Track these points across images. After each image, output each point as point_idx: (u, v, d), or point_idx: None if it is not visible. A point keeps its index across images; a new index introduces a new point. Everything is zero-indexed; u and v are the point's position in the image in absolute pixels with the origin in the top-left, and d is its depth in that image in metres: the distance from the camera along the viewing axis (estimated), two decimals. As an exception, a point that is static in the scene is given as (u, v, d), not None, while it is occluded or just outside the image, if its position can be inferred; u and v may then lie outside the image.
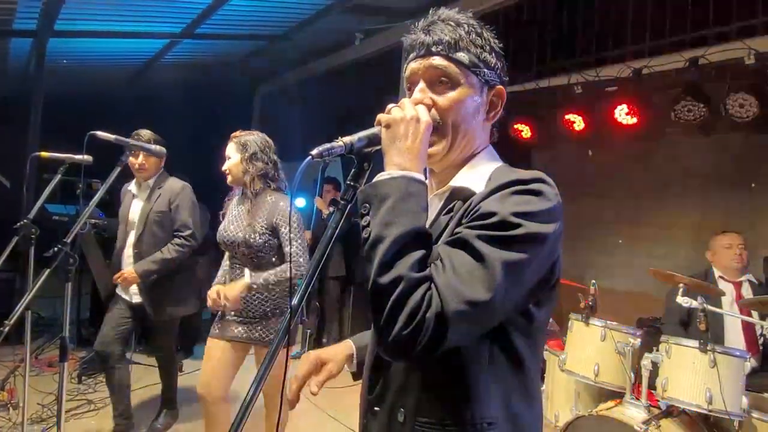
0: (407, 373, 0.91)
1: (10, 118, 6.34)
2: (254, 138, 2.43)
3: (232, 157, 2.40)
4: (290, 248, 2.31)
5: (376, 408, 0.96)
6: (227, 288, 2.26)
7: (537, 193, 0.83)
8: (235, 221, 2.41)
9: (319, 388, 1.03)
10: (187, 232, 2.91)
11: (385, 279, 0.77)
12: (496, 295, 0.76)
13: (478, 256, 0.78)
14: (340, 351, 1.12)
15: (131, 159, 2.86)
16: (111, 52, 6.14)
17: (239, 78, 7.65)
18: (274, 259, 2.37)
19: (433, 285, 0.77)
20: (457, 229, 0.84)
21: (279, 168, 2.49)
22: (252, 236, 2.31)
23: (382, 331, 0.77)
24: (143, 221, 2.92)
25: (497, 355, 0.87)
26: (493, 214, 0.80)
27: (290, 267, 2.30)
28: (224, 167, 2.43)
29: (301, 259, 2.29)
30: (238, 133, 2.46)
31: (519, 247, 0.79)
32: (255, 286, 2.25)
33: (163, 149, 2.51)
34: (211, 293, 2.26)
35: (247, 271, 2.31)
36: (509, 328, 0.86)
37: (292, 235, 2.34)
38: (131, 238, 2.96)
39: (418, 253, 0.79)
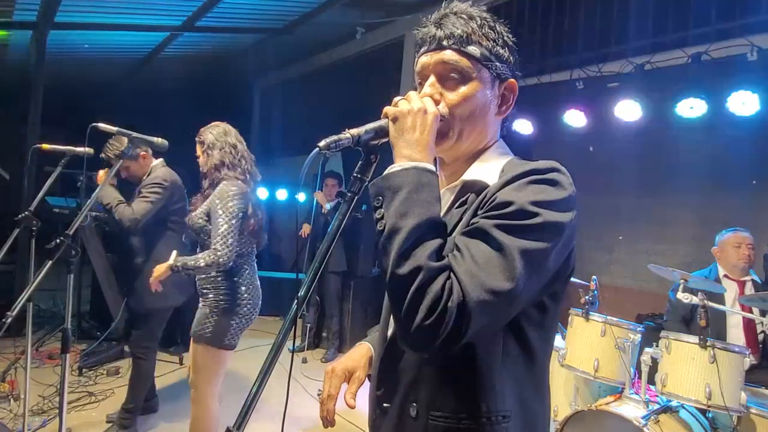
0: (419, 367, 0.90)
1: (10, 111, 6.33)
2: (212, 130, 2.46)
3: (198, 154, 2.48)
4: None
5: (385, 404, 0.95)
6: (157, 267, 2.35)
7: (553, 183, 0.83)
8: (193, 203, 2.49)
9: (355, 399, 1.03)
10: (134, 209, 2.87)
11: (404, 270, 0.76)
12: (518, 284, 0.76)
13: (496, 246, 0.77)
14: (361, 356, 1.11)
15: None
16: (111, 45, 6.12)
17: (240, 71, 7.63)
18: (209, 240, 2.34)
19: (452, 274, 0.76)
20: (473, 220, 0.84)
21: (240, 153, 2.45)
22: (195, 219, 2.37)
23: (403, 322, 0.76)
24: None
25: (511, 347, 0.86)
26: (510, 203, 0.80)
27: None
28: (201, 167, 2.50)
29: (220, 246, 2.23)
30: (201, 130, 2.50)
31: (537, 235, 0.78)
32: (175, 268, 2.29)
33: (165, 142, 2.48)
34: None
35: (174, 252, 2.37)
36: (523, 321, 0.86)
37: (218, 222, 2.26)
38: None
39: (436, 243, 0.78)
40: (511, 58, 0.97)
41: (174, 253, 2.36)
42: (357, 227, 4.95)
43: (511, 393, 0.86)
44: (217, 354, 2.33)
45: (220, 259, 2.22)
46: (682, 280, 2.57)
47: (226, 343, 2.33)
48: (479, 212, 0.84)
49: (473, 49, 0.92)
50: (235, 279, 2.37)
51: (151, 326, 3.04)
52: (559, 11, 4.58)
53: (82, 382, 3.72)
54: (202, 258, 2.24)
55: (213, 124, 2.50)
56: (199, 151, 2.48)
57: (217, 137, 2.43)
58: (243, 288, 2.37)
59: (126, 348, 4.13)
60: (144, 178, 2.98)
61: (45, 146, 2.36)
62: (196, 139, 2.48)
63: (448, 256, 0.80)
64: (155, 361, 3.15)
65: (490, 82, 0.94)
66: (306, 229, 4.93)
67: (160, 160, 3.05)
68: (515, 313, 0.82)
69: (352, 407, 1.00)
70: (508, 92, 0.98)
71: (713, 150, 3.86)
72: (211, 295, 2.35)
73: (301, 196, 5.74)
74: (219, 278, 2.35)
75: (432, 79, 0.94)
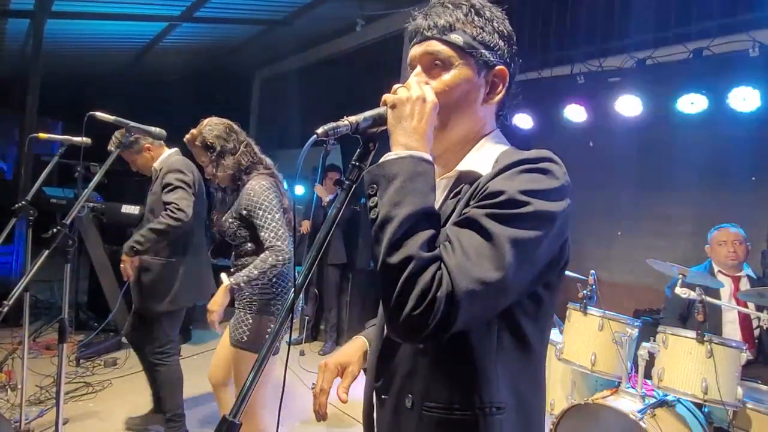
0: (415, 359, 0.90)
1: (7, 100, 6.30)
2: (210, 129, 2.24)
3: (207, 161, 2.27)
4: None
5: (383, 396, 0.95)
6: (211, 301, 2.14)
7: (545, 172, 0.82)
8: (219, 207, 2.33)
9: (347, 393, 1.02)
10: (171, 206, 2.62)
11: (395, 259, 0.75)
12: (507, 273, 0.75)
13: (486, 235, 0.77)
14: (355, 350, 1.10)
15: None
16: (109, 35, 6.08)
17: (239, 63, 7.59)
18: (248, 246, 2.22)
19: (442, 265, 0.76)
20: (464, 210, 0.83)
21: (253, 148, 2.30)
22: (225, 225, 2.22)
23: (392, 311, 0.76)
24: (144, 206, 2.92)
25: (506, 339, 0.86)
26: (501, 192, 0.79)
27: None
28: (207, 176, 2.33)
29: (278, 243, 2.11)
30: (190, 135, 2.28)
31: (528, 224, 0.78)
32: (237, 287, 2.09)
33: (163, 132, 2.46)
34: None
35: (223, 275, 2.17)
36: (517, 312, 0.86)
37: (265, 220, 2.13)
38: None
39: (428, 233, 0.78)
40: (502, 44, 0.95)
41: (223, 275, 2.15)
42: (356, 220, 4.95)
43: (505, 385, 0.86)
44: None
45: (281, 256, 2.08)
46: (680, 275, 2.57)
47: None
48: (471, 202, 0.84)
49: (456, 37, 0.91)
50: (277, 277, 2.19)
51: (164, 328, 2.80)
52: (560, 5, 4.55)
53: (79, 372, 3.73)
54: (261, 263, 2.07)
55: (209, 122, 2.28)
56: (204, 158, 2.27)
57: (227, 139, 2.24)
58: (284, 285, 2.20)
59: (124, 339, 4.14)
60: (156, 168, 2.85)
61: (42, 135, 2.34)
62: (197, 143, 2.26)
63: (440, 246, 0.79)
64: (178, 362, 2.90)
65: (476, 69, 0.93)
66: (305, 226, 4.92)
67: (175, 149, 2.92)
68: (507, 303, 0.82)
69: (344, 401, 1.00)
70: (497, 79, 0.96)
71: (713, 146, 3.86)
72: (246, 293, 2.17)
73: (299, 189, 5.72)
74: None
75: (418, 68, 0.94)
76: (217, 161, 2.24)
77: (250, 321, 2.15)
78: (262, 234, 2.12)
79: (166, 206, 2.63)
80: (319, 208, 4.90)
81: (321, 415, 1.05)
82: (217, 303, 2.11)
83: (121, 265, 2.65)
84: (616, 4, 4.19)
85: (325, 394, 1.04)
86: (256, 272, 2.08)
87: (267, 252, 2.10)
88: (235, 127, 2.33)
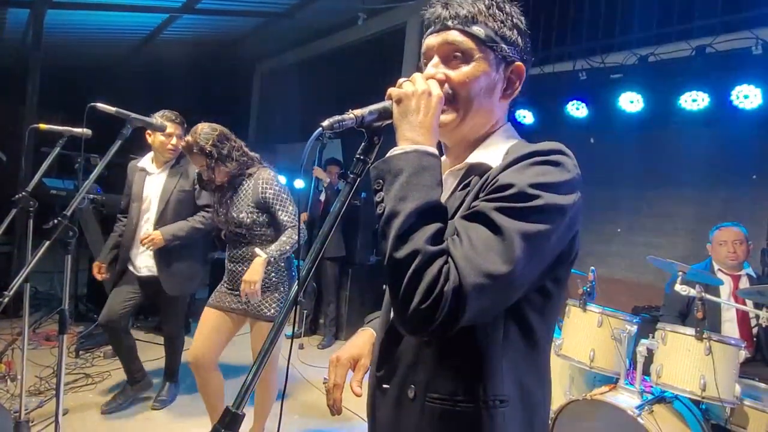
0: (419, 349, 0.90)
1: (7, 91, 6.27)
2: (206, 137, 2.40)
3: (204, 166, 2.44)
4: (299, 227, 2.42)
5: (385, 385, 0.95)
6: (249, 273, 2.33)
7: (556, 164, 0.81)
8: (223, 203, 2.51)
9: (361, 386, 1.02)
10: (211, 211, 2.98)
11: (401, 253, 0.75)
12: (516, 267, 0.74)
13: (495, 229, 0.76)
14: (365, 342, 1.10)
15: (162, 139, 2.92)
16: (110, 26, 6.04)
17: (239, 56, 7.55)
18: (262, 230, 2.47)
19: (450, 258, 0.75)
20: (474, 203, 0.83)
21: (245, 149, 2.51)
22: (240, 216, 2.43)
23: (400, 305, 0.76)
24: (165, 199, 2.96)
25: (512, 332, 0.86)
26: (510, 185, 0.78)
27: (298, 243, 2.38)
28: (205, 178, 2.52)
29: (297, 222, 2.44)
30: (186, 143, 2.45)
31: (537, 218, 0.76)
32: (273, 259, 2.36)
33: (165, 124, 2.47)
34: (242, 287, 2.35)
35: (257, 250, 2.39)
36: (525, 306, 0.85)
37: (283, 203, 2.44)
38: (151, 215, 2.98)
39: (434, 227, 0.77)
40: (520, 40, 0.95)
41: (257, 250, 2.39)
42: (355, 214, 4.95)
43: (510, 378, 0.86)
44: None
45: (302, 233, 2.45)
46: (680, 273, 2.58)
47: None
48: (480, 195, 0.83)
49: (478, 30, 0.90)
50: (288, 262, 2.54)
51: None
52: (563, 0, 4.53)
53: (78, 363, 3.73)
54: (288, 239, 2.40)
55: (202, 130, 2.43)
56: (201, 163, 2.43)
57: (222, 147, 2.41)
58: (288, 263, 2.55)
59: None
60: (173, 159, 3.03)
61: (42, 126, 2.32)
62: (194, 152, 2.41)
63: (447, 240, 0.79)
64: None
65: (495, 64, 0.92)
66: (303, 218, 4.89)
67: None
68: (516, 298, 0.81)
69: (359, 395, 0.99)
70: (514, 76, 0.95)
71: (715, 144, 3.86)
72: (272, 274, 2.46)
73: (299, 183, 5.71)
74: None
75: (436, 59, 0.93)
76: (215, 166, 2.42)
77: (276, 296, 2.46)
78: (282, 216, 2.43)
79: (205, 208, 2.98)
80: (317, 201, 4.87)
81: (336, 410, 1.05)
82: (258, 273, 2.32)
83: (149, 238, 2.84)
84: (619, 0, 4.17)
85: (339, 390, 1.04)
86: (287, 247, 2.39)
87: (290, 230, 2.42)
88: (227, 132, 2.50)
